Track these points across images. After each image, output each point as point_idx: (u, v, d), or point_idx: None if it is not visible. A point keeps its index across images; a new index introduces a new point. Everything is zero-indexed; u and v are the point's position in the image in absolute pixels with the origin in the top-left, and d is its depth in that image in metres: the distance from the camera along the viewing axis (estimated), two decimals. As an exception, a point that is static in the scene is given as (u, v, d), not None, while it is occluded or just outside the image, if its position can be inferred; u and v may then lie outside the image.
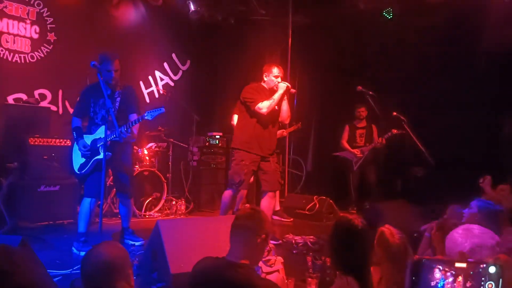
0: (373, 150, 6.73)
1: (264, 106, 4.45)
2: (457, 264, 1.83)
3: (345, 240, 2.18)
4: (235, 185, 4.55)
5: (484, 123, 6.16)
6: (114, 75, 4.15)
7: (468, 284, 1.75)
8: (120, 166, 4.34)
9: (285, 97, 4.65)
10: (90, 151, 4.13)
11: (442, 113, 6.38)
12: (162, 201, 6.01)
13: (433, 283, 1.80)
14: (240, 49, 7.88)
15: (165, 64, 7.65)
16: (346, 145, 6.97)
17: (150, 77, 7.41)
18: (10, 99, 5.70)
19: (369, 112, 6.77)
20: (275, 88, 4.54)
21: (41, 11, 6.05)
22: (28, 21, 5.93)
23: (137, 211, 5.77)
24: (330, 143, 7.31)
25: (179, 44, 7.70)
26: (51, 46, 6.14)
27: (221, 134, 7.05)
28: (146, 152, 6.17)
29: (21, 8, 5.87)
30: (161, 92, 7.27)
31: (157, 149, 6.41)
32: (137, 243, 4.36)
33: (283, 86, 4.50)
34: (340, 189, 6.97)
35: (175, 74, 7.76)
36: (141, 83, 7.28)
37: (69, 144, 5.19)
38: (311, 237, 4.71)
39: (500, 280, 1.73)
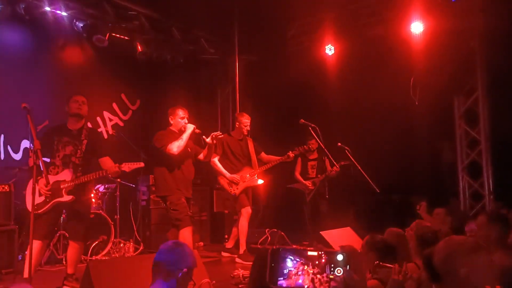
0: (326, 181, 6.80)
1: (173, 146, 4.66)
2: (310, 253, 2.10)
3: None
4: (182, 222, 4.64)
5: (424, 150, 6.47)
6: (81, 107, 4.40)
7: (315, 271, 2.01)
8: (78, 210, 4.24)
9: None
10: (51, 191, 4.02)
11: (384, 142, 6.65)
12: (110, 244, 5.81)
13: (285, 271, 2.05)
14: (192, 88, 7.96)
15: (114, 105, 7.60)
16: (299, 177, 7.13)
17: (98, 118, 7.33)
18: None
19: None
20: (182, 129, 4.77)
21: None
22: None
23: (82, 256, 5.54)
24: (282, 176, 7.36)
25: (128, 84, 7.68)
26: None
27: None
28: (92, 194, 6.00)
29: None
30: (110, 132, 7.18)
31: (105, 190, 6.27)
32: None
33: (190, 126, 4.76)
34: (296, 220, 6.99)
35: (124, 114, 7.71)
36: (89, 124, 7.16)
37: (7, 190, 5.03)
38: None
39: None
